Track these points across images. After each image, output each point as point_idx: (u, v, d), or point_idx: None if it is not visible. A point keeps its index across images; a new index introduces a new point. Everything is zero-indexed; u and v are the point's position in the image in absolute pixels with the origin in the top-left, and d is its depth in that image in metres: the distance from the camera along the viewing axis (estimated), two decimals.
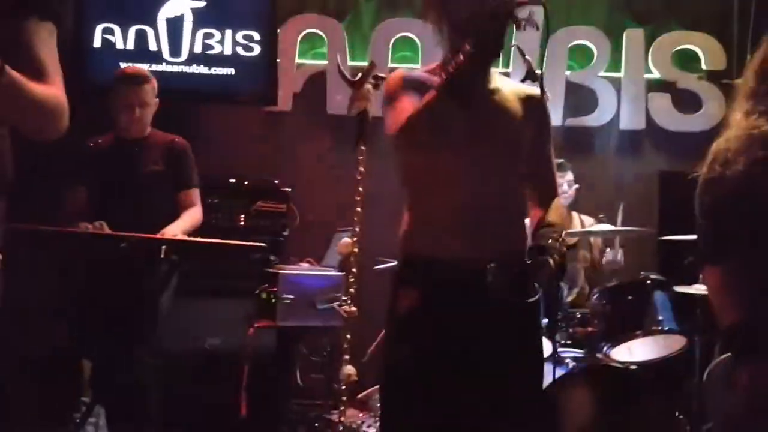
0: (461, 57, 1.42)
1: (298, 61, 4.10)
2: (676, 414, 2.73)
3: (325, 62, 4.04)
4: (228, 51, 3.76)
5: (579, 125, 4.08)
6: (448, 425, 1.47)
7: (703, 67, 4.03)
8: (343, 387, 2.49)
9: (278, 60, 3.86)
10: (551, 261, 1.48)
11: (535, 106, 1.63)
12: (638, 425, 2.65)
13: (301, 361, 3.38)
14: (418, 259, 1.57)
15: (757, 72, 1.66)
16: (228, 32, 3.76)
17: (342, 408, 2.56)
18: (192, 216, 2.73)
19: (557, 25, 4.01)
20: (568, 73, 4.05)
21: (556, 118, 4.03)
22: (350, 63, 4.01)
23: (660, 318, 2.78)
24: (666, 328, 2.78)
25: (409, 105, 1.50)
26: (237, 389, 2.84)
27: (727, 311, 1.60)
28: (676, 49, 4.05)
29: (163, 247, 2.46)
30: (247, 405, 2.83)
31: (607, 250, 3.26)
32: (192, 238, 2.61)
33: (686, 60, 4.07)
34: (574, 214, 3.58)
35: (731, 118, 1.70)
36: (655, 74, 4.05)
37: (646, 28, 4.06)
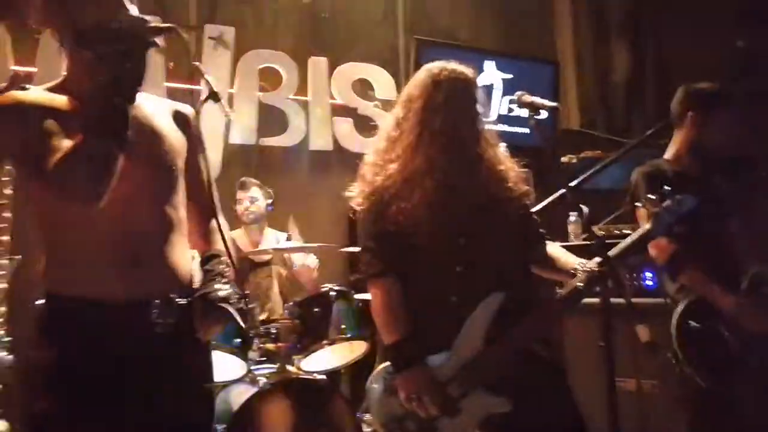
0: (95, 99, 1.32)
1: None
2: (359, 414, 2.98)
3: None
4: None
5: (272, 145, 4.22)
6: None
7: (377, 96, 4.52)
8: None
9: None
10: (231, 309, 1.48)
11: (185, 121, 1.61)
12: (330, 428, 2.83)
13: None
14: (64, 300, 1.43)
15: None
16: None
17: None
18: None
19: (247, 47, 4.12)
20: (260, 94, 4.16)
21: (250, 137, 4.11)
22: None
23: (343, 326, 3.00)
24: (348, 335, 3.02)
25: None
26: None
27: (386, 329, 1.85)
28: (356, 78, 4.46)
29: None
30: None
31: (296, 256, 3.40)
32: None
33: (363, 88, 4.51)
34: (269, 230, 3.69)
35: (380, 149, 1.95)
36: (338, 100, 4.40)
37: (329, 56, 4.39)
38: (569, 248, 2.00)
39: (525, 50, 4.82)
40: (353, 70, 4.45)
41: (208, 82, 1.81)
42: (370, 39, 4.61)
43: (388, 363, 1.87)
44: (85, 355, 1.39)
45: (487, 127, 1.93)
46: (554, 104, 1.96)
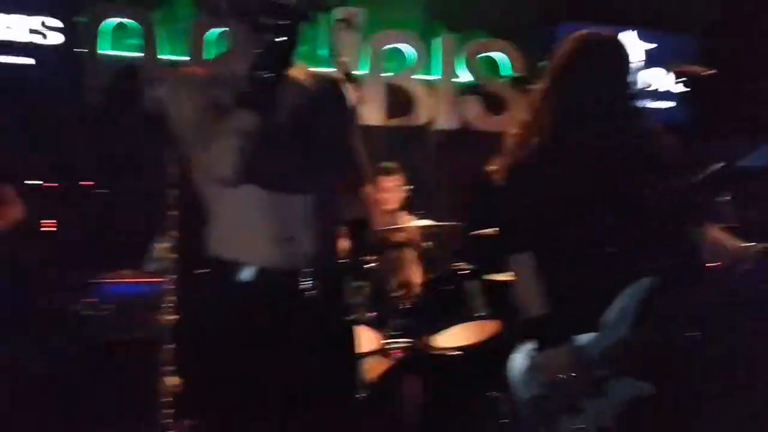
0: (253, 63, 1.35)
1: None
2: (494, 393, 2.97)
3: None
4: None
5: (399, 125, 4.27)
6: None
7: (507, 72, 4.41)
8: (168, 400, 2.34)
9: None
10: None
11: (337, 94, 1.64)
12: (462, 406, 2.85)
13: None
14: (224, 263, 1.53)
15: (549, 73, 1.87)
16: None
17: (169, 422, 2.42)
18: None
19: (374, 29, 4.17)
20: (387, 74, 4.20)
21: (378, 118, 4.17)
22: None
23: (475, 305, 3.00)
24: (481, 314, 3.00)
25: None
26: None
27: (531, 304, 1.81)
28: (483, 54, 4.38)
29: None
30: None
31: None
32: None
33: (492, 65, 4.42)
34: (405, 213, 3.74)
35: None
36: (467, 78, 4.35)
37: (458, 35, 4.34)
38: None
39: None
40: (482, 47, 4.38)
41: (344, 64, 1.85)
42: (500, 15, 4.50)
43: (532, 340, 1.84)
44: (239, 316, 1.49)
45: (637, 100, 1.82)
46: (713, 71, 1.81)
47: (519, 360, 1.84)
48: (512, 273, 1.88)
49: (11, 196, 2.73)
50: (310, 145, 1.54)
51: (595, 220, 1.78)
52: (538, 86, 1.90)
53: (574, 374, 1.72)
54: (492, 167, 1.90)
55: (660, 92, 4.20)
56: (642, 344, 1.72)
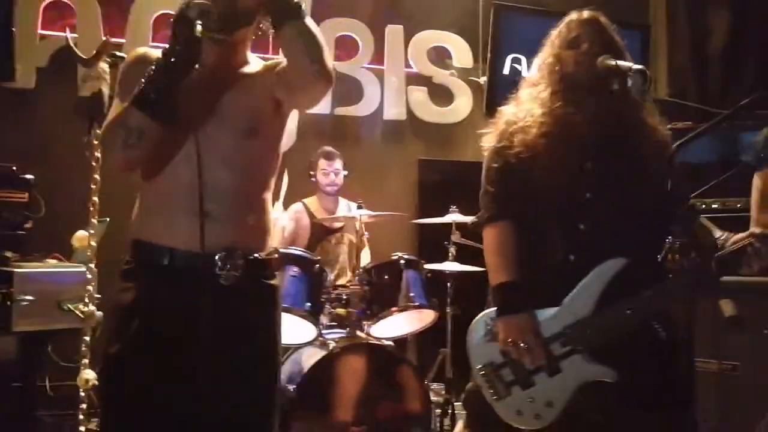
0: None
1: (41, 32, 3.68)
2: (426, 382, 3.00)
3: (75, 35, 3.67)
4: None
5: (346, 114, 4.25)
6: (167, 416, 1.42)
7: (455, 64, 4.43)
8: (82, 393, 2.29)
9: (14, 30, 3.42)
10: None
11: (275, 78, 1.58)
12: (397, 394, 2.87)
13: (51, 367, 3.07)
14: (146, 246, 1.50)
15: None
16: None
17: (82, 417, 2.35)
18: None
19: (324, 16, 4.13)
20: (335, 63, 4.17)
21: (324, 107, 4.14)
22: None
23: (412, 294, 3.02)
24: (417, 304, 3.03)
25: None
26: None
27: (497, 271, 1.80)
28: (431, 46, 4.39)
29: None
30: None
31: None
32: None
33: (439, 57, 4.44)
34: (341, 199, 3.73)
35: (522, 96, 1.88)
36: (414, 69, 4.36)
37: (406, 25, 4.34)
38: None
39: (613, 13, 4.57)
40: (430, 37, 4.39)
41: None
42: (448, 6, 4.51)
43: (491, 309, 1.82)
44: (155, 299, 1.45)
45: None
46: (640, 67, 1.83)
47: (479, 327, 1.84)
48: (488, 236, 1.83)
49: None
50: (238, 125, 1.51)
51: (574, 192, 1.76)
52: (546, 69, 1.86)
53: (529, 343, 1.71)
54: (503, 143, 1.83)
55: None
56: (605, 327, 1.69)
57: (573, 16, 1.88)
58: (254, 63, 1.61)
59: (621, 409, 1.70)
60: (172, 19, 1.39)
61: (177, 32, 1.36)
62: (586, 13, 1.87)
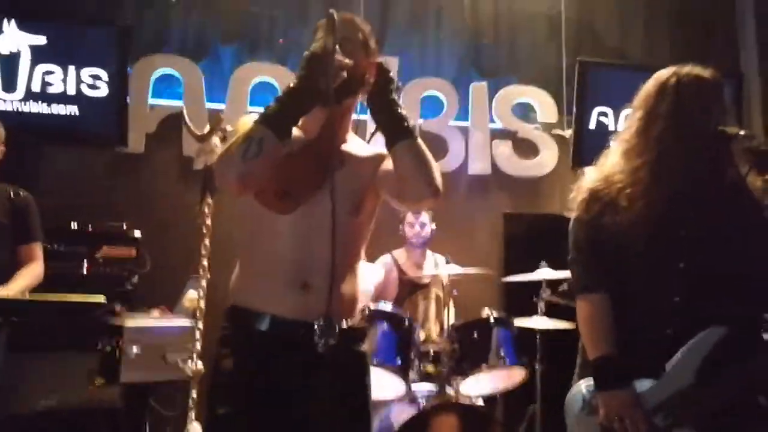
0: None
1: (152, 101, 4.00)
2: None
3: (180, 103, 3.97)
4: (72, 90, 3.66)
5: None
6: None
7: (539, 119, 4.44)
8: None
9: (128, 99, 3.75)
10: None
11: (380, 161, 1.67)
12: None
13: (152, 416, 3.21)
14: (244, 312, 1.56)
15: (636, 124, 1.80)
16: (71, 69, 3.67)
17: None
18: (31, 272, 2.71)
19: (410, 76, 4.27)
20: (420, 121, 4.28)
21: None
22: (208, 105, 4.01)
23: (503, 353, 2.97)
24: (509, 363, 2.97)
25: None
26: None
27: (593, 344, 1.75)
28: (515, 102, 4.43)
29: None
30: None
31: None
32: (21, 297, 2.48)
33: (524, 111, 4.46)
34: (429, 252, 3.75)
35: (611, 158, 1.83)
36: (498, 124, 4.40)
37: (490, 81, 4.42)
38: None
39: (703, 63, 4.47)
40: (514, 92, 4.44)
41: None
42: (533, 62, 4.56)
43: (588, 379, 1.77)
44: (254, 365, 1.51)
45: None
46: (749, 133, 1.73)
47: (577, 400, 1.79)
48: (583, 308, 1.78)
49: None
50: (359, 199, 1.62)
51: (672, 263, 1.70)
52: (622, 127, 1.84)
53: (632, 418, 1.65)
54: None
55: None
56: (709, 400, 1.63)
57: (672, 75, 1.78)
58: (355, 141, 1.70)
59: None
60: (308, 54, 1.47)
61: (311, 65, 1.44)
62: (688, 70, 1.77)
